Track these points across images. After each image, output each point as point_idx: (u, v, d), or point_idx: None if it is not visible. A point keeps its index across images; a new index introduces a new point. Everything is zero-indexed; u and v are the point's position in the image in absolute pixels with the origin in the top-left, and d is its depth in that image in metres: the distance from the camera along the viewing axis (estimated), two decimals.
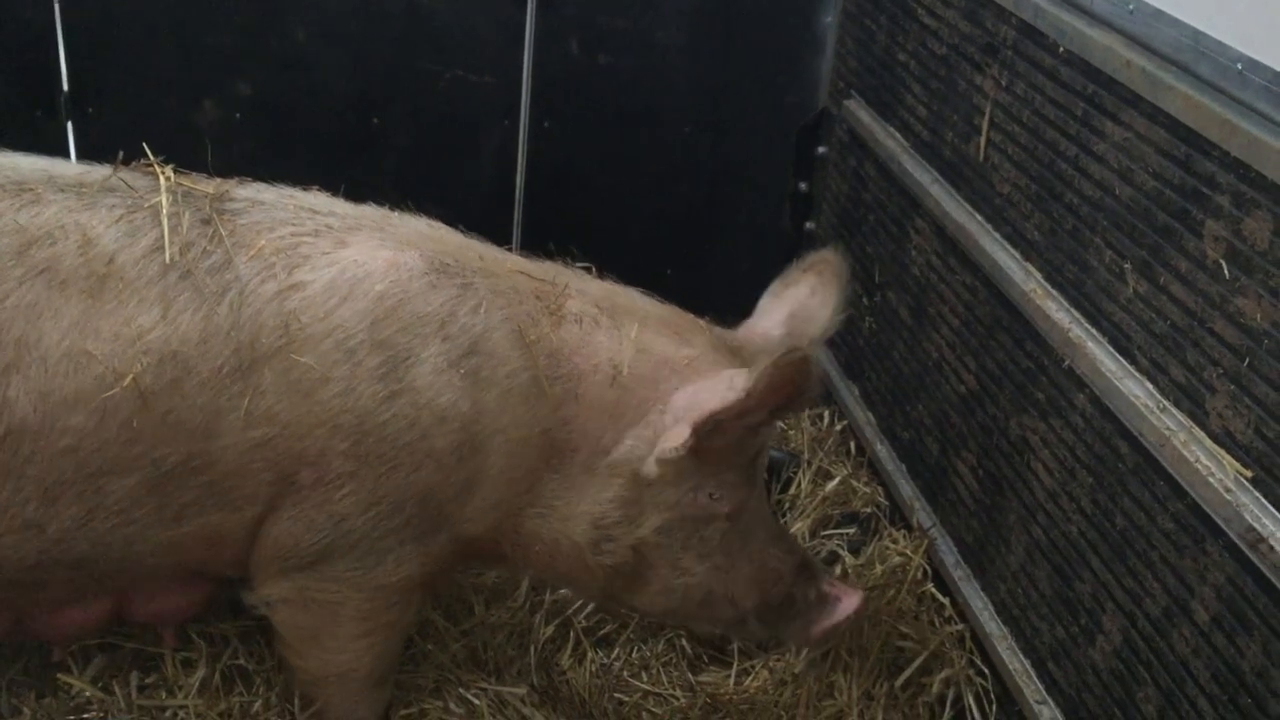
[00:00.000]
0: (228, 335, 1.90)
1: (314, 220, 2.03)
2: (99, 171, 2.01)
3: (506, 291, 2.08)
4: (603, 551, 2.14)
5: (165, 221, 1.92)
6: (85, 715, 2.30)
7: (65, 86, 3.04)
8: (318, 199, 2.11)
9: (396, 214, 2.15)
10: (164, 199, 1.95)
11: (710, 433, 2.01)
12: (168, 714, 2.29)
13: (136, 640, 2.42)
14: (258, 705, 2.32)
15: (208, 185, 2.03)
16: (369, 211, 2.13)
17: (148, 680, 2.37)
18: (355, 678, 2.23)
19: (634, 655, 2.73)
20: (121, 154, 2.03)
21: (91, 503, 1.91)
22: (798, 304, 2.31)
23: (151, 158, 2.04)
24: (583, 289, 2.18)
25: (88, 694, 2.33)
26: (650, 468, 2.05)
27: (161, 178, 2.00)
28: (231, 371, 1.90)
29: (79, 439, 1.86)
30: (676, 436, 2.02)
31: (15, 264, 1.84)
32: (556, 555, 2.17)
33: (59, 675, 2.35)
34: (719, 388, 2.04)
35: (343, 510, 2.00)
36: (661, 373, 2.11)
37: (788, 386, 1.97)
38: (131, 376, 1.85)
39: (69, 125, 3.07)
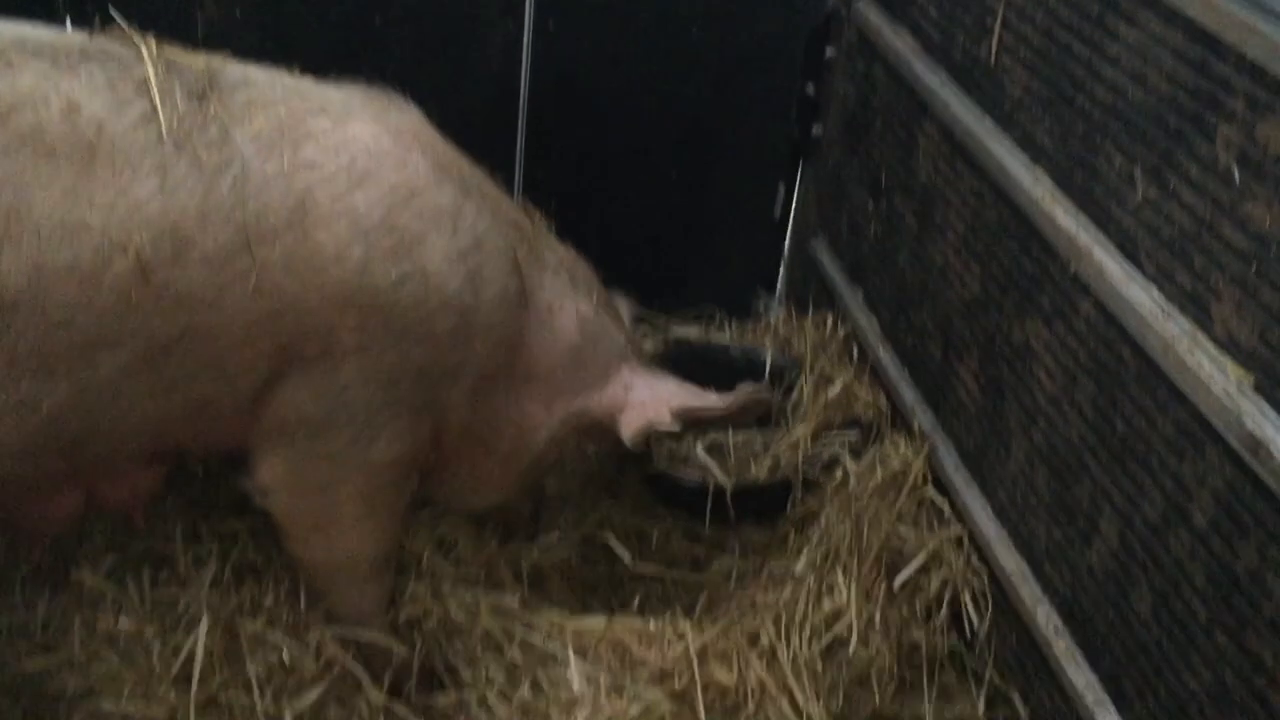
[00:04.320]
0: (231, 211, 1.88)
1: (306, 102, 2.03)
2: (73, 38, 1.92)
3: (494, 208, 2.21)
4: (528, 478, 2.49)
5: (156, 93, 1.87)
6: (100, 610, 2.35)
7: None
8: (303, 82, 2.10)
9: (379, 98, 2.16)
10: (150, 69, 1.88)
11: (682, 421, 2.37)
12: (180, 607, 2.33)
13: (145, 539, 2.46)
14: (269, 600, 2.37)
15: (191, 59, 1.98)
16: (355, 94, 2.14)
17: (161, 576, 2.40)
18: (360, 564, 2.28)
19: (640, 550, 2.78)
20: (99, 18, 1.96)
21: (84, 376, 1.88)
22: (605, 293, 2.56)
23: (126, 26, 1.96)
24: (552, 244, 2.40)
25: (102, 589, 2.37)
26: (633, 438, 2.36)
27: (144, 48, 1.92)
28: (237, 248, 1.89)
29: (73, 312, 1.82)
30: (664, 419, 2.35)
31: None
32: (494, 470, 2.42)
33: (73, 571, 2.39)
34: (684, 392, 2.42)
35: (345, 380, 2.06)
36: (613, 344, 2.42)
37: (750, 412, 2.46)
38: (134, 250, 1.81)
39: (67, 20, 3.02)
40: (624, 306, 2.67)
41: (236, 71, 2.02)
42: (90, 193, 1.80)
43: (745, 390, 2.43)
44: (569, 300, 2.35)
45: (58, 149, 1.79)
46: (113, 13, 1.99)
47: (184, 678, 2.22)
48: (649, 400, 2.39)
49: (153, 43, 1.95)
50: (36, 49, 1.85)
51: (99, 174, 1.81)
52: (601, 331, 2.40)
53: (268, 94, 2.00)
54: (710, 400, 2.41)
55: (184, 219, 1.85)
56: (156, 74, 1.89)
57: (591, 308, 2.39)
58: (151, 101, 1.86)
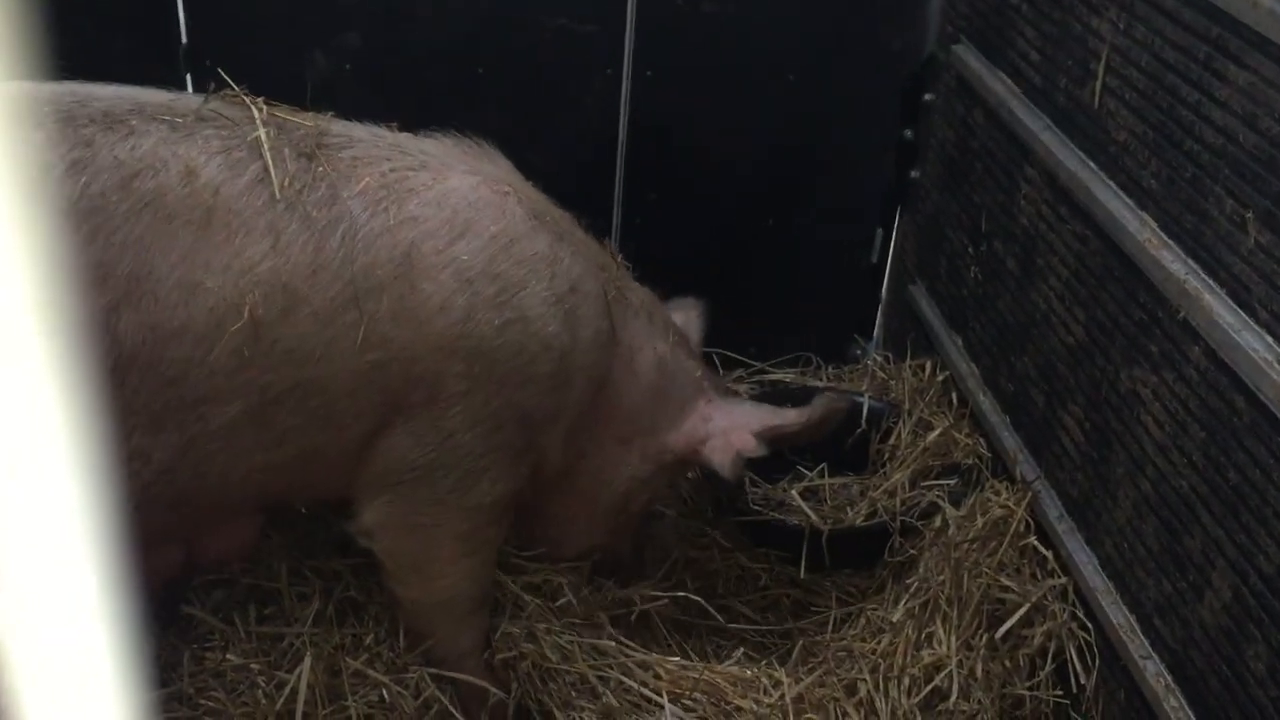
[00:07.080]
0: (340, 267, 1.94)
1: (407, 158, 2.09)
2: (188, 101, 2.00)
3: (585, 252, 2.27)
4: (616, 520, 2.52)
5: (269, 156, 1.93)
6: (208, 644, 2.41)
7: (184, 39, 3.11)
8: (400, 136, 2.16)
9: (474, 150, 2.22)
10: (262, 133, 1.95)
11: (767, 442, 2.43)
12: (284, 643, 2.38)
13: (252, 575, 2.52)
14: (369, 638, 2.41)
15: (300, 118, 2.05)
16: (451, 147, 2.20)
17: (266, 612, 2.46)
18: (458, 602, 2.31)
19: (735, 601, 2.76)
20: (213, 85, 2.04)
21: (193, 430, 1.93)
22: (679, 329, 2.62)
23: (236, 89, 2.03)
24: (632, 286, 2.45)
25: (210, 625, 2.43)
26: (729, 470, 2.42)
27: (255, 110, 1.99)
28: (345, 302, 1.94)
29: (185, 369, 1.87)
30: (749, 444, 2.41)
31: (120, 198, 1.83)
32: (579, 511, 2.48)
33: (182, 607, 2.46)
34: (761, 412, 2.50)
35: (451, 426, 2.10)
36: (689, 379, 2.47)
37: (829, 423, 2.53)
38: (247, 309, 1.87)
39: (188, 78, 3.15)
40: (693, 321, 2.69)
41: (341, 130, 2.09)
42: (206, 255, 1.86)
43: (822, 401, 2.50)
44: (648, 341, 2.41)
45: (177, 213, 1.86)
46: (223, 76, 2.07)
47: (287, 713, 2.26)
48: (729, 428, 2.43)
49: (263, 105, 2.03)
50: (155, 114, 1.92)
51: (215, 236, 1.87)
52: (678, 369, 2.46)
53: (371, 151, 2.06)
54: (789, 416, 2.47)
55: (295, 277, 1.91)
56: (268, 137, 1.96)
57: (668, 347, 2.45)
58: (264, 164, 1.93)
